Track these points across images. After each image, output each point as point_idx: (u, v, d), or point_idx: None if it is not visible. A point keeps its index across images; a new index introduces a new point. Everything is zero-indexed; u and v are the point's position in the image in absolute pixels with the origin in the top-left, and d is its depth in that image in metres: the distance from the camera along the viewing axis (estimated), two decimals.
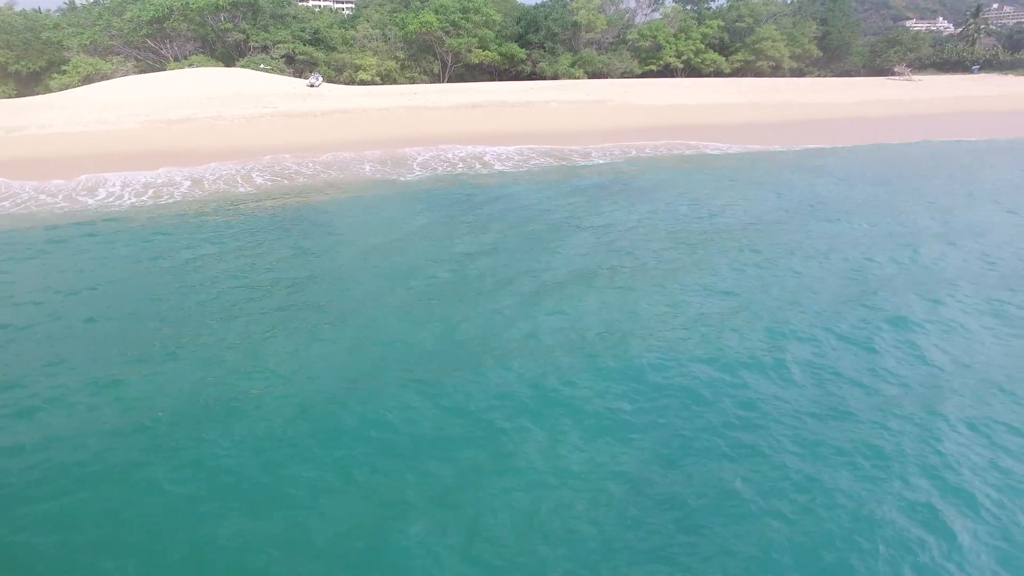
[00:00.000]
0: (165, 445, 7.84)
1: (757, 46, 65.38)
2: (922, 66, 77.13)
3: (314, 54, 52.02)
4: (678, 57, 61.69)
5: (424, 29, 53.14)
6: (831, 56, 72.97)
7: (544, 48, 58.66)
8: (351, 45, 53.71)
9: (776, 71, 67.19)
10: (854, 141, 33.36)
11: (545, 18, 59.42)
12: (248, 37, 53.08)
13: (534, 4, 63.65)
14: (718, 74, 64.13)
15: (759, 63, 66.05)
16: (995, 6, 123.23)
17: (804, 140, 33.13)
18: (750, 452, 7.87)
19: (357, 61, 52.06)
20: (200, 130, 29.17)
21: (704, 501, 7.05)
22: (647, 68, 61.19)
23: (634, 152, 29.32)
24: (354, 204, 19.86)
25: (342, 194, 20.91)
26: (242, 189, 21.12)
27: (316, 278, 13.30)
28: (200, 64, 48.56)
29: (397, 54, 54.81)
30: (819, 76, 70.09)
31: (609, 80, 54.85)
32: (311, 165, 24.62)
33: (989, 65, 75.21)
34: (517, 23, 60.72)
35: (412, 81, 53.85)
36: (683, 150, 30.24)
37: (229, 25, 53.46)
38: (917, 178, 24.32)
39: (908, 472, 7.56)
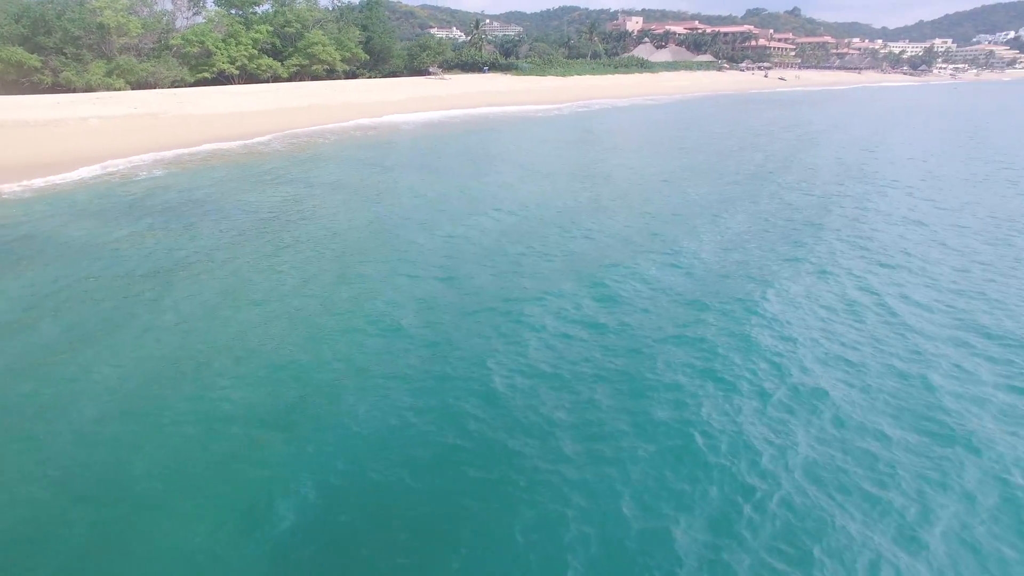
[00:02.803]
0: None
1: (309, 50, 69.44)
2: (449, 67, 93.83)
3: None
4: (232, 63, 61.08)
5: None
6: (377, 59, 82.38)
7: (66, 55, 50.81)
8: None
9: (332, 74, 72.74)
10: (403, 134, 40.70)
11: (58, 18, 51.37)
12: None
13: (39, 0, 53.87)
14: (276, 79, 66.01)
15: (314, 67, 70.43)
16: (487, 21, 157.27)
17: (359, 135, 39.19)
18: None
19: None
20: None
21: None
22: (200, 76, 59.01)
23: (185, 163, 29.27)
24: None
25: None
26: None
27: None
28: None
29: None
30: (370, 77, 78.58)
31: (159, 90, 51.24)
32: None
33: (493, 66, 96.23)
34: (17, 22, 50.88)
35: None
36: (237, 156, 31.51)
37: None
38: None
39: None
